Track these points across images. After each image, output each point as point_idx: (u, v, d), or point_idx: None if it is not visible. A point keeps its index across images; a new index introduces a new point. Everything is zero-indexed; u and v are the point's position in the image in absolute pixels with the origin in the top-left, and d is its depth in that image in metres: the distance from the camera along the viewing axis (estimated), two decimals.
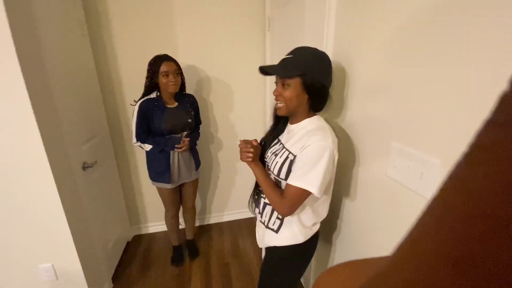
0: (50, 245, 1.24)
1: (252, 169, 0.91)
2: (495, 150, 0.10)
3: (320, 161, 0.76)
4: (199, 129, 1.70)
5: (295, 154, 0.82)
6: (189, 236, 1.95)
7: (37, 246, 1.23)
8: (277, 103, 0.87)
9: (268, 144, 0.98)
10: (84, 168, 1.41)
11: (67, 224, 1.21)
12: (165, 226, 1.85)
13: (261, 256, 1.09)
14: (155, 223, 2.16)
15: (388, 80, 0.75)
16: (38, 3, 1.11)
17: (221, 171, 2.18)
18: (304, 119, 0.87)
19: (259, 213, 1.00)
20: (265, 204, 0.96)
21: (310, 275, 1.47)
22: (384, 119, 0.79)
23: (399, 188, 0.74)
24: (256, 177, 0.92)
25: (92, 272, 1.41)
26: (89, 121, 1.54)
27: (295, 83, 0.80)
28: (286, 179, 0.83)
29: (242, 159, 0.91)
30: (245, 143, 0.91)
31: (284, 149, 0.87)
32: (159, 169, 1.54)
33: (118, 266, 1.79)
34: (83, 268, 1.31)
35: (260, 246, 1.07)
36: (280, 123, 0.97)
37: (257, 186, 1.02)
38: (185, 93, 1.59)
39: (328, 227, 1.15)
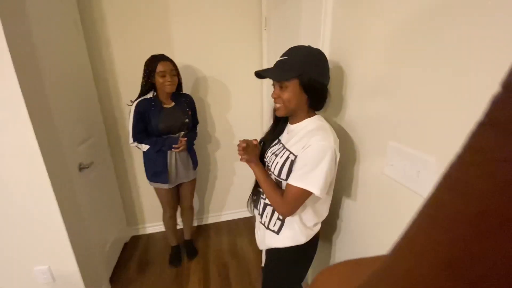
0: (47, 247, 1.23)
1: (252, 169, 0.91)
2: (488, 152, 0.10)
3: (322, 161, 0.75)
4: (196, 129, 1.70)
5: (296, 154, 0.81)
6: (187, 236, 1.95)
7: (33, 248, 1.22)
8: (275, 104, 0.86)
9: (268, 144, 0.98)
10: (80, 169, 1.40)
11: (64, 225, 1.20)
12: (162, 226, 1.85)
13: (261, 257, 1.08)
14: (153, 224, 2.16)
15: (386, 80, 0.76)
16: (32, 2, 1.10)
17: (219, 170, 2.17)
18: (304, 119, 0.86)
19: (259, 214, 0.99)
20: (265, 205, 0.95)
21: (308, 275, 1.47)
22: (381, 118, 0.79)
23: (396, 187, 0.74)
24: (256, 177, 0.92)
25: (90, 273, 1.40)
26: (85, 121, 1.53)
27: (293, 85, 0.79)
28: (286, 179, 0.82)
29: (240, 159, 0.92)
30: (243, 142, 0.91)
31: (285, 149, 0.86)
32: (156, 169, 1.53)
33: (116, 267, 1.79)
34: (80, 269, 1.30)
35: (260, 248, 1.06)
36: (280, 123, 0.97)
37: (256, 186, 1.02)
38: (182, 93, 1.58)
39: (327, 227, 1.15)
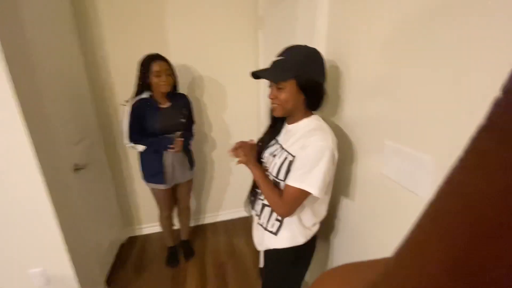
0: (42, 249, 1.21)
1: (250, 170, 0.90)
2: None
3: (321, 161, 0.75)
4: (192, 129, 1.69)
5: (294, 154, 0.80)
6: (184, 236, 1.94)
7: (28, 251, 1.20)
8: (273, 105, 0.86)
9: (265, 144, 0.97)
10: (75, 170, 1.38)
11: (59, 227, 1.18)
12: (159, 227, 1.84)
13: (258, 257, 1.07)
14: (149, 224, 2.14)
15: (383, 80, 0.76)
16: (25, 2, 1.08)
17: (216, 170, 2.17)
18: (302, 119, 0.86)
19: (257, 215, 0.98)
20: (263, 206, 0.94)
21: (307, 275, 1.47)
22: (378, 117, 0.80)
23: (393, 186, 0.75)
24: (254, 178, 0.91)
25: (85, 275, 1.39)
26: (80, 122, 1.52)
27: (290, 85, 0.78)
28: (285, 180, 0.82)
29: (237, 162, 0.91)
30: (238, 144, 0.90)
31: (283, 150, 0.86)
32: (152, 169, 1.52)
33: (112, 268, 1.77)
34: (75, 271, 1.28)
35: (258, 249, 1.05)
36: (277, 123, 0.96)
37: (253, 187, 1.01)
38: (178, 93, 1.57)
39: (325, 227, 1.16)
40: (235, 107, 2.02)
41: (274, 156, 0.88)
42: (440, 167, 0.59)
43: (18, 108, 0.99)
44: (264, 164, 0.93)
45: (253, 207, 1.02)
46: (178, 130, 1.52)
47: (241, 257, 1.88)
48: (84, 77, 1.62)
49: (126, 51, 1.67)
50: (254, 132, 2.10)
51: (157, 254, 1.91)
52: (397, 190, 0.73)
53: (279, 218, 0.90)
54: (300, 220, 0.89)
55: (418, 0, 0.61)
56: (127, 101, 1.43)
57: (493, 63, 0.46)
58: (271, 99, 0.84)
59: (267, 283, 1.04)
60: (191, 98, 1.65)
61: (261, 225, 0.96)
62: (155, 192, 1.62)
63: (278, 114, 0.85)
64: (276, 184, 0.87)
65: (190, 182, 1.72)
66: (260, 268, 1.08)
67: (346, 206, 1.02)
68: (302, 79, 0.77)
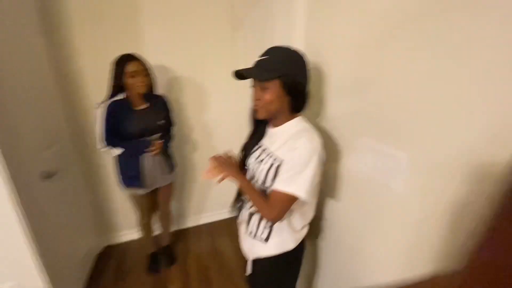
0: (12, 263, 1.14)
1: (235, 180, 0.85)
2: None
3: (309, 165, 0.74)
4: (172, 131, 1.65)
5: (281, 159, 0.78)
6: (165, 242, 1.88)
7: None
8: (255, 105, 0.82)
9: (249, 150, 0.93)
10: (44, 177, 1.29)
11: (29, 238, 1.11)
12: (138, 233, 1.77)
13: (243, 259, 1.05)
14: (128, 231, 2.06)
15: (359, 79, 0.78)
16: None
17: (198, 172, 2.12)
18: (286, 121, 0.83)
19: (245, 223, 0.94)
20: (251, 214, 0.91)
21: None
22: (354, 116, 0.81)
23: (368, 181, 0.77)
24: (241, 188, 0.87)
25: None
26: (48, 126, 1.42)
27: (274, 85, 0.75)
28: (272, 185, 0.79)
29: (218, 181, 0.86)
30: (212, 159, 0.86)
31: (268, 155, 0.83)
32: (129, 174, 1.46)
33: (90, 279, 1.68)
34: (50, 285, 1.22)
35: (249, 258, 1.00)
36: (259, 127, 0.92)
37: (239, 194, 0.98)
38: (156, 94, 1.52)
39: (311, 228, 1.14)
40: (215, 107, 1.99)
41: (260, 161, 0.84)
42: (414, 164, 0.61)
43: None
44: (250, 171, 0.90)
45: (239, 215, 0.98)
46: (157, 133, 1.47)
47: (225, 260, 1.86)
48: (52, 79, 1.51)
49: (98, 50, 1.59)
50: (236, 131, 2.08)
51: (137, 262, 1.84)
52: (373, 185, 0.76)
53: (269, 225, 0.87)
54: (289, 224, 0.87)
55: (386, 4, 0.63)
56: (100, 104, 1.36)
57: (463, 62, 0.48)
58: (255, 100, 0.81)
59: None
60: (170, 99, 1.60)
61: (250, 234, 0.92)
62: (133, 198, 1.55)
63: (261, 116, 0.81)
64: (263, 191, 0.84)
65: (170, 185, 1.67)
66: (248, 276, 1.03)
67: (330, 204, 1.02)
68: (287, 80, 0.75)
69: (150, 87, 1.42)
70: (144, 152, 1.41)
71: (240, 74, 0.78)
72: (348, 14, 0.78)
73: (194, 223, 2.26)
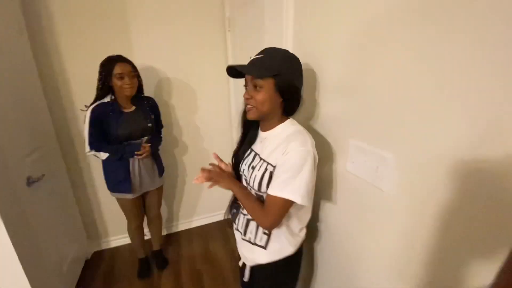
0: None
1: (230, 189, 0.84)
2: None
3: (303, 168, 0.72)
4: (161, 134, 1.63)
5: (274, 164, 0.76)
6: (156, 246, 1.85)
7: None
8: (246, 106, 0.79)
9: (241, 156, 0.92)
10: (29, 183, 1.25)
11: (12, 247, 1.07)
12: (128, 238, 1.73)
13: (236, 261, 1.02)
14: (117, 236, 2.02)
15: (346, 81, 0.79)
16: None
17: (188, 175, 2.10)
18: (277, 124, 0.82)
19: (242, 230, 0.91)
20: (248, 221, 0.89)
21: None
22: (342, 117, 0.82)
23: (358, 182, 0.78)
24: (235, 196, 0.86)
25: None
26: (33, 130, 1.38)
27: (268, 85, 0.74)
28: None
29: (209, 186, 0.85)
30: (206, 173, 0.84)
31: (261, 161, 0.81)
32: (118, 178, 1.43)
33: (78, 286, 1.64)
34: None
35: (247, 264, 0.97)
36: (250, 131, 0.90)
37: (234, 200, 0.96)
38: (144, 96, 1.50)
39: (307, 230, 1.13)
40: (205, 109, 1.98)
41: (253, 168, 0.82)
42: (401, 164, 0.62)
43: None
44: (243, 178, 0.88)
45: (235, 221, 0.96)
46: (145, 135, 1.45)
47: (217, 262, 1.85)
48: (36, 81, 1.47)
49: (85, 52, 1.56)
50: (227, 132, 2.07)
51: (128, 267, 1.80)
52: (361, 185, 0.76)
53: (266, 231, 0.85)
54: (288, 229, 0.85)
55: (375, 6, 0.64)
56: (87, 106, 1.33)
57: (447, 64, 0.49)
58: (246, 99, 0.79)
59: None
60: (158, 101, 1.58)
61: (248, 241, 0.90)
62: (122, 202, 1.52)
63: (252, 116, 0.79)
64: (259, 198, 0.83)
65: (160, 189, 1.65)
66: (245, 282, 0.99)
67: (322, 206, 1.02)
68: (281, 80, 0.74)
69: (138, 89, 1.40)
70: (133, 156, 1.39)
71: (234, 71, 0.77)
72: (338, 16, 0.79)
73: (186, 227, 2.24)
